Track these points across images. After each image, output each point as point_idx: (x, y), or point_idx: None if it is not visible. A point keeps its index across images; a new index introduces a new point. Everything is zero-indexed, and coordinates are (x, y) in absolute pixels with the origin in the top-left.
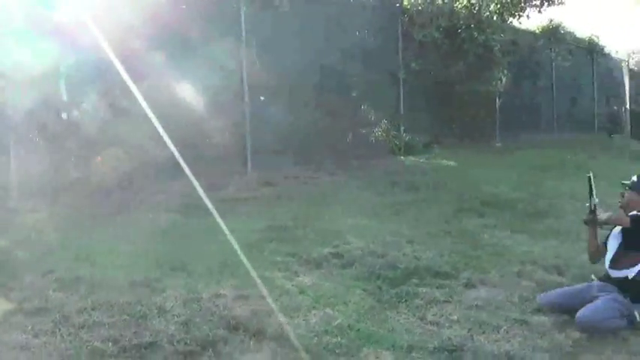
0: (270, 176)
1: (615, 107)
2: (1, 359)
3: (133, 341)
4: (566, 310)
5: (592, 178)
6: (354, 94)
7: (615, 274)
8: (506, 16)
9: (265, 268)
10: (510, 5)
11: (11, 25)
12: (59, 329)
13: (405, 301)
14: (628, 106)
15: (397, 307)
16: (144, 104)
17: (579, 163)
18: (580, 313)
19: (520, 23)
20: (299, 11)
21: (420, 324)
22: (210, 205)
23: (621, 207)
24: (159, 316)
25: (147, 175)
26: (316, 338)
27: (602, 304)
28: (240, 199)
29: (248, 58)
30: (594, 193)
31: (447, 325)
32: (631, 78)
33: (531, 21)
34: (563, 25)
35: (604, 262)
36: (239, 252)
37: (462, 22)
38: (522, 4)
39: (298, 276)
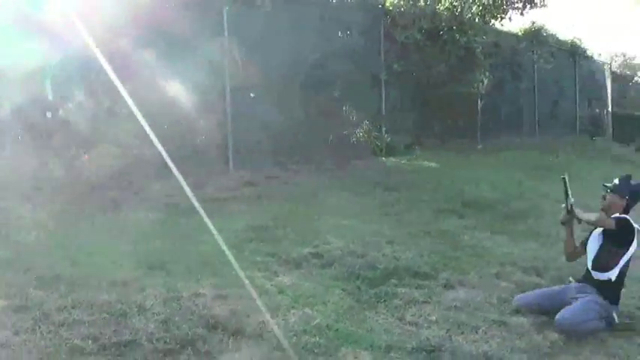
0: (251, 176)
1: (597, 110)
2: None
3: (113, 339)
4: (544, 311)
5: (567, 179)
6: (336, 95)
7: (598, 275)
8: (488, 18)
9: (245, 268)
10: (492, 7)
11: None
12: (39, 327)
13: (384, 301)
14: (610, 109)
15: (376, 308)
16: (126, 103)
17: (560, 166)
18: (559, 316)
19: (502, 25)
20: (281, 12)
21: (399, 324)
22: (191, 205)
23: (602, 209)
24: (139, 315)
25: (128, 174)
26: (295, 338)
27: (581, 306)
28: (221, 198)
29: (230, 58)
30: (570, 193)
31: (425, 325)
32: (613, 81)
33: (514, 23)
34: (545, 27)
35: (585, 264)
36: (219, 251)
37: (444, 23)
38: (504, 7)
39: (278, 276)
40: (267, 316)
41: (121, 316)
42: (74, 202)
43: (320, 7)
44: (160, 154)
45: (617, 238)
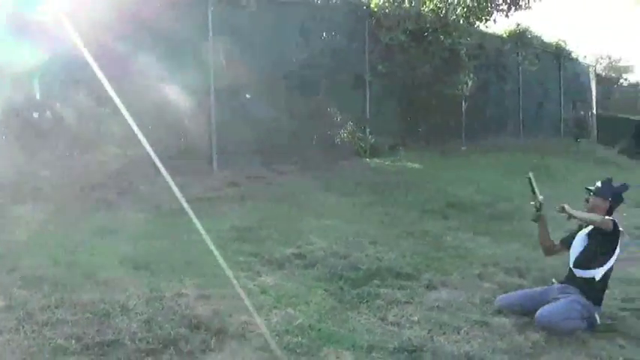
0: (235, 176)
1: (582, 112)
2: None
3: (96, 339)
4: (526, 311)
5: (532, 178)
6: (320, 96)
7: (581, 273)
8: (472, 20)
9: (228, 268)
10: (477, 9)
11: None
12: (23, 326)
13: (367, 301)
14: (594, 111)
15: (358, 308)
16: (110, 104)
17: (544, 167)
18: (539, 312)
19: (487, 27)
20: (266, 12)
21: (381, 324)
22: (175, 205)
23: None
24: (122, 315)
25: (112, 174)
26: (277, 338)
27: (563, 305)
28: (205, 198)
29: (215, 59)
30: (537, 192)
31: (407, 325)
32: (598, 83)
33: (498, 25)
34: (530, 29)
35: (568, 265)
36: (202, 252)
37: (428, 25)
38: (489, 9)
39: (260, 276)
40: (250, 316)
41: (104, 316)
42: (58, 202)
43: (305, 8)
44: (143, 154)
45: (604, 240)
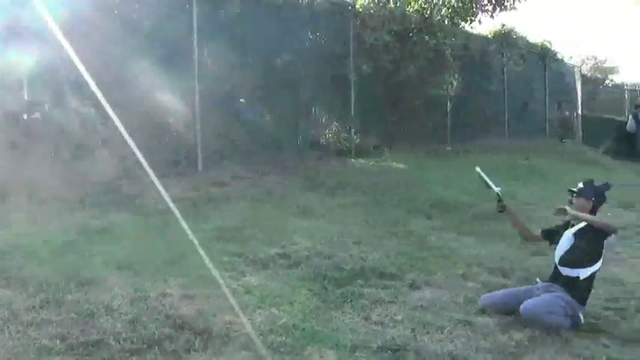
0: (219, 177)
1: (567, 112)
2: None
3: (80, 339)
4: (509, 310)
5: (481, 172)
6: (305, 96)
7: (567, 272)
8: (457, 21)
9: (212, 268)
10: (462, 10)
11: None
12: (7, 327)
13: (350, 301)
14: (580, 112)
15: (342, 307)
16: (92, 103)
17: (529, 168)
18: (524, 304)
19: (472, 28)
20: (251, 12)
21: (365, 324)
22: (159, 205)
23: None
24: (106, 315)
25: (95, 174)
26: (261, 337)
27: (547, 298)
28: (190, 199)
29: (199, 59)
30: (490, 184)
31: (391, 325)
32: (583, 83)
33: (484, 26)
34: (515, 30)
35: (552, 266)
36: (187, 252)
37: (413, 25)
38: (474, 9)
39: (245, 276)
40: (234, 316)
41: (89, 316)
42: (41, 202)
43: (290, 9)
44: (127, 154)
45: (593, 240)
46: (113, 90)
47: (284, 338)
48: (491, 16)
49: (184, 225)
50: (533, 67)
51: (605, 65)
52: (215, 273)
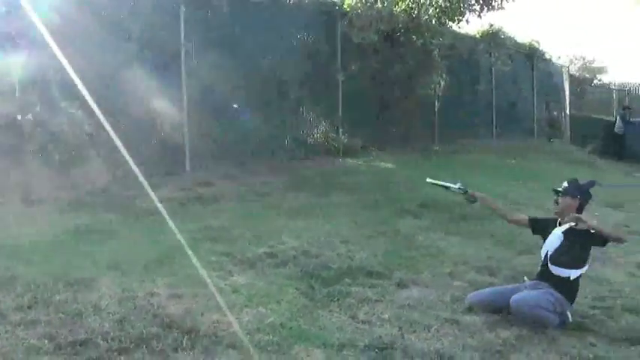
0: (208, 176)
1: (555, 112)
2: None
3: (69, 338)
4: (497, 308)
5: (431, 180)
6: (293, 96)
7: (558, 271)
8: (444, 20)
9: (200, 268)
10: (449, 10)
11: None
12: None
13: (338, 300)
14: (568, 112)
15: (329, 306)
16: (81, 103)
17: (516, 167)
18: (513, 297)
19: (460, 28)
20: (238, 12)
21: (352, 322)
22: (147, 205)
23: (557, 213)
24: (94, 314)
25: (83, 175)
26: (249, 336)
27: (537, 293)
28: (178, 199)
29: (187, 59)
30: (447, 184)
31: (378, 323)
32: (571, 83)
33: (471, 25)
34: (503, 29)
35: (539, 264)
36: (174, 251)
37: (400, 25)
38: (462, 9)
39: (232, 275)
40: (222, 315)
41: (77, 316)
42: (30, 203)
43: (277, 9)
44: (115, 155)
45: (586, 242)
46: (101, 92)
47: (271, 337)
48: (479, 16)
49: (172, 225)
50: (521, 67)
51: (593, 65)
52: (203, 272)
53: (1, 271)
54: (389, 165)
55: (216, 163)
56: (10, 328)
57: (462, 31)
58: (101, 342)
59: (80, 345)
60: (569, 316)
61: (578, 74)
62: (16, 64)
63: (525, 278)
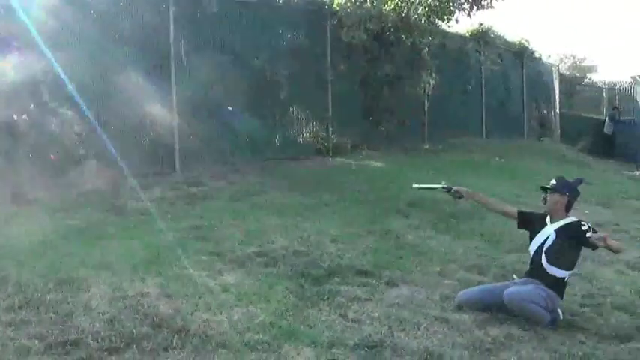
0: (197, 177)
1: (545, 111)
2: None
3: (59, 338)
4: (486, 306)
5: (417, 185)
6: (283, 95)
7: (553, 270)
8: (434, 19)
9: (190, 267)
10: (439, 9)
11: None
12: None
13: (327, 298)
14: (558, 110)
15: (319, 305)
16: (69, 103)
17: (506, 166)
18: (507, 291)
19: (449, 27)
20: (228, 12)
21: (341, 321)
22: (137, 205)
23: (547, 212)
24: (84, 314)
25: (75, 175)
26: (238, 335)
27: (529, 288)
28: (167, 198)
29: (176, 58)
30: (433, 185)
31: (367, 322)
32: (561, 82)
33: (461, 24)
34: (493, 28)
35: (528, 262)
36: (164, 251)
37: (390, 24)
38: (451, 8)
39: (222, 274)
40: (211, 314)
41: (68, 316)
42: (20, 203)
43: (266, 8)
44: (105, 155)
45: (577, 244)
46: (91, 92)
47: (261, 336)
48: (469, 15)
49: (162, 225)
50: (511, 66)
51: (583, 64)
52: (193, 272)
53: None
54: (379, 164)
55: (206, 162)
56: (1, 329)
57: (452, 30)
58: (91, 342)
59: (71, 345)
60: (560, 313)
61: (568, 73)
62: (3, 65)
63: (514, 276)
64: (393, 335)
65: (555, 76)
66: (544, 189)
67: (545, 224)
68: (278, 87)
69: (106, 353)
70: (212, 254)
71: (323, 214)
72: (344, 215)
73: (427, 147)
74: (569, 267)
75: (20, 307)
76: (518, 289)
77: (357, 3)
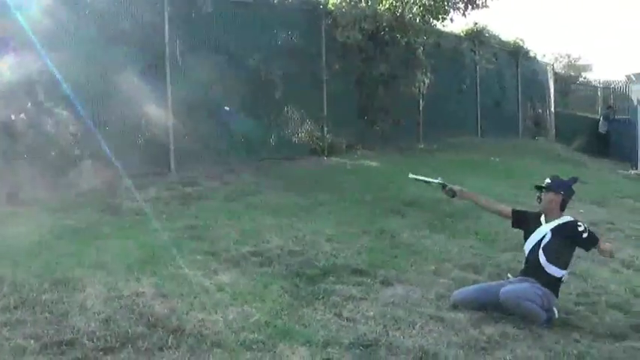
0: (192, 176)
1: (540, 110)
2: None
3: (55, 338)
4: (481, 305)
5: (414, 175)
6: (278, 95)
7: (552, 269)
8: (429, 19)
9: (185, 267)
10: (434, 8)
11: None
12: None
13: (322, 298)
14: (553, 109)
15: (314, 304)
16: (64, 103)
17: (502, 165)
18: (503, 289)
19: (444, 26)
20: (223, 12)
21: (336, 320)
22: (132, 205)
23: (542, 211)
24: (80, 314)
25: (70, 175)
26: (233, 334)
27: (525, 286)
28: (163, 198)
29: (171, 58)
30: (428, 180)
31: (362, 321)
32: (556, 81)
33: (456, 24)
34: (487, 28)
35: (523, 262)
36: (159, 251)
37: (384, 24)
38: (446, 7)
39: (217, 274)
40: (207, 314)
41: (63, 316)
42: (15, 203)
43: (261, 8)
44: (101, 154)
45: (572, 244)
46: (86, 92)
47: (256, 335)
48: (464, 15)
49: (157, 224)
50: (506, 65)
51: (578, 63)
52: (188, 271)
53: None
54: (374, 164)
55: (201, 162)
56: None
57: (447, 29)
58: (87, 341)
59: (66, 345)
60: (556, 312)
61: (563, 72)
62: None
63: (509, 275)
64: (388, 334)
65: (550, 75)
66: (539, 188)
67: (540, 223)
68: (273, 87)
69: (101, 353)
70: (207, 254)
71: (318, 213)
72: (339, 215)
73: (422, 146)
74: (565, 267)
75: (16, 307)
76: (515, 287)
77: (352, 2)
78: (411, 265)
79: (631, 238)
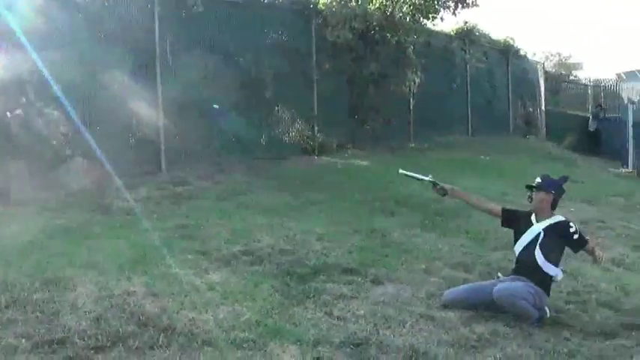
0: (183, 176)
1: (531, 109)
2: None
3: (45, 337)
4: (472, 305)
5: (404, 172)
6: (268, 95)
7: (549, 268)
8: (419, 18)
9: (176, 266)
10: (423, 7)
11: None
12: None
13: (313, 296)
14: (543, 108)
15: (305, 303)
16: (54, 103)
17: (492, 164)
18: (497, 287)
19: (434, 25)
20: (213, 12)
21: (327, 319)
22: (123, 205)
23: (534, 210)
24: (71, 313)
25: (61, 175)
26: (224, 333)
27: (519, 285)
28: (153, 198)
29: (162, 58)
30: (420, 176)
31: (353, 320)
32: (547, 80)
33: (446, 23)
34: (478, 27)
35: (514, 261)
36: (150, 250)
37: (375, 23)
38: (436, 6)
39: (208, 273)
40: (197, 313)
41: (54, 315)
42: (6, 202)
43: (252, 8)
44: (91, 154)
45: (562, 244)
46: (76, 92)
47: (247, 334)
48: (454, 13)
49: (147, 224)
50: (497, 63)
51: (569, 61)
52: (178, 271)
53: None
54: (364, 163)
55: (192, 162)
56: None
57: (437, 28)
58: (78, 340)
59: (57, 343)
60: (547, 311)
61: (553, 70)
62: None
63: (499, 274)
64: (378, 333)
65: (541, 73)
66: (529, 187)
67: (531, 223)
68: (263, 86)
69: (92, 352)
70: (198, 253)
71: (309, 213)
72: (330, 214)
73: (413, 145)
74: (557, 264)
75: (7, 307)
76: (507, 285)
77: (342, 2)
78: (402, 264)
79: (621, 237)
